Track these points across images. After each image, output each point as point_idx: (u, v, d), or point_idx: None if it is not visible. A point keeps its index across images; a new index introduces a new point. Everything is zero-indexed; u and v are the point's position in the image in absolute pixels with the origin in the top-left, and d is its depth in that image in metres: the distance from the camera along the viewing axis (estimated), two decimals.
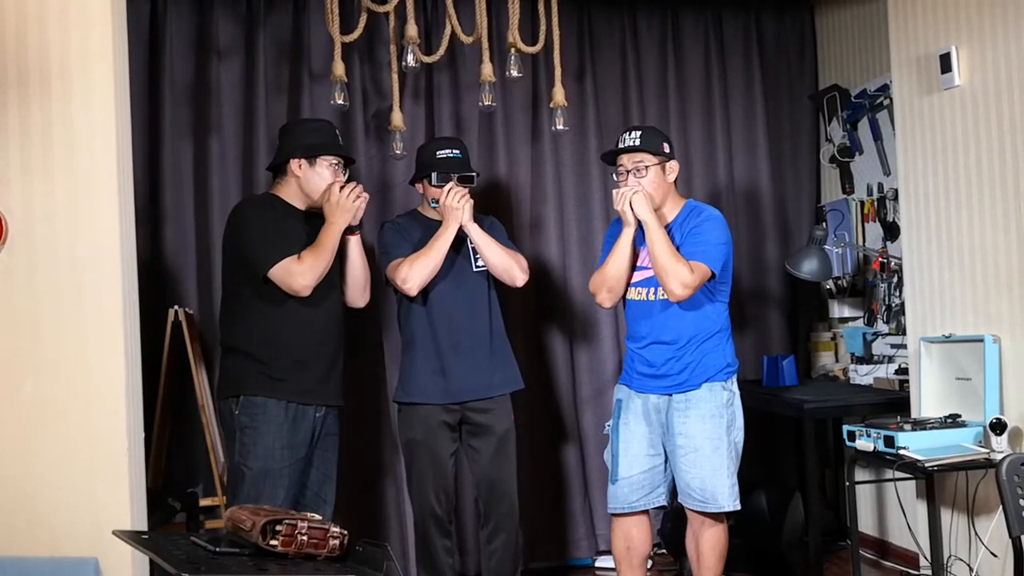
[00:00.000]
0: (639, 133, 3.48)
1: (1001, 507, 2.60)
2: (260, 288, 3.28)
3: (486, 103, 3.65)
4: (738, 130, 5.01)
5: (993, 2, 3.60)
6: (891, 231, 4.57)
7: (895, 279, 4.51)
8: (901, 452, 3.46)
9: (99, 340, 3.12)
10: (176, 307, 4.04)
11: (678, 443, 3.41)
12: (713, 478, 3.37)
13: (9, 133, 3.12)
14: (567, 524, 4.66)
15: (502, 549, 3.71)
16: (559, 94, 3.71)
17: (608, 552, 4.53)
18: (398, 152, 3.93)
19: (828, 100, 5.02)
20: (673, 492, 3.54)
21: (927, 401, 3.85)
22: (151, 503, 3.46)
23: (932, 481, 3.77)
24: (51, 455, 3.09)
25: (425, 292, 3.62)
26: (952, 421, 3.63)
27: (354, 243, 3.49)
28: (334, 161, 3.42)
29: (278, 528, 2.06)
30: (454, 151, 3.71)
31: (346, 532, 2.12)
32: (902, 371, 4.32)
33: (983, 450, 3.46)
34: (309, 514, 2.22)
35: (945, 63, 3.79)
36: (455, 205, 3.56)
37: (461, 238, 3.64)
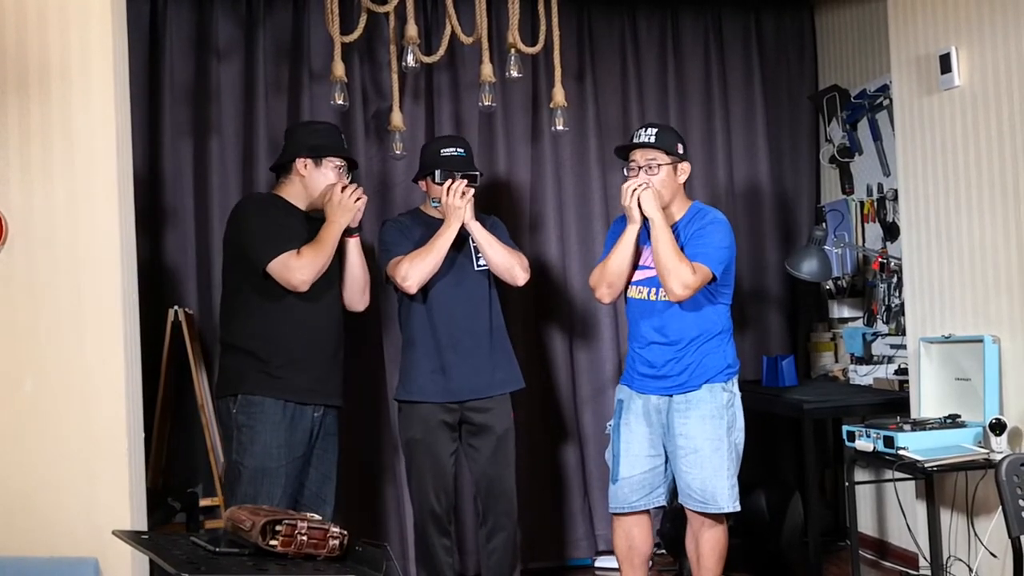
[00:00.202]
0: (655, 131, 3.47)
1: (1000, 507, 2.60)
2: (259, 285, 3.29)
3: (486, 103, 3.65)
4: (738, 130, 5.01)
5: (993, 3, 3.60)
6: (891, 231, 4.57)
7: (895, 279, 4.51)
8: (901, 452, 3.47)
9: (99, 340, 3.12)
10: (176, 307, 4.05)
11: (678, 444, 3.41)
12: (713, 479, 3.37)
13: (9, 133, 3.12)
14: (566, 524, 4.65)
15: (501, 548, 3.71)
16: (559, 94, 3.71)
17: (607, 552, 4.53)
18: (398, 152, 3.93)
19: (828, 100, 5.02)
20: (673, 492, 3.54)
21: (927, 401, 3.85)
22: (151, 503, 3.46)
23: (932, 481, 3.77)
24: (51, 455, 3.09)
25: (425, 290, 3.62)
26: (952, 421, 3.63)
27: (353, 245, 3.49)
28: (339, 163, 3.45)
29: (278, 528, 2.06)
30: (458, 149, 3.72)
31: (346, 532, 2.12)
32: (902, 371, 4.32)
33: (982, 450, 3.46)
34: (309, 514, 2.22)
35: (945, 63, 3.79)
36: (457, 204, 3.56)
37: (463, 237, 3.64)
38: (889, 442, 3.51)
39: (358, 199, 3.39)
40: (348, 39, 3.55)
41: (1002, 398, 3.58)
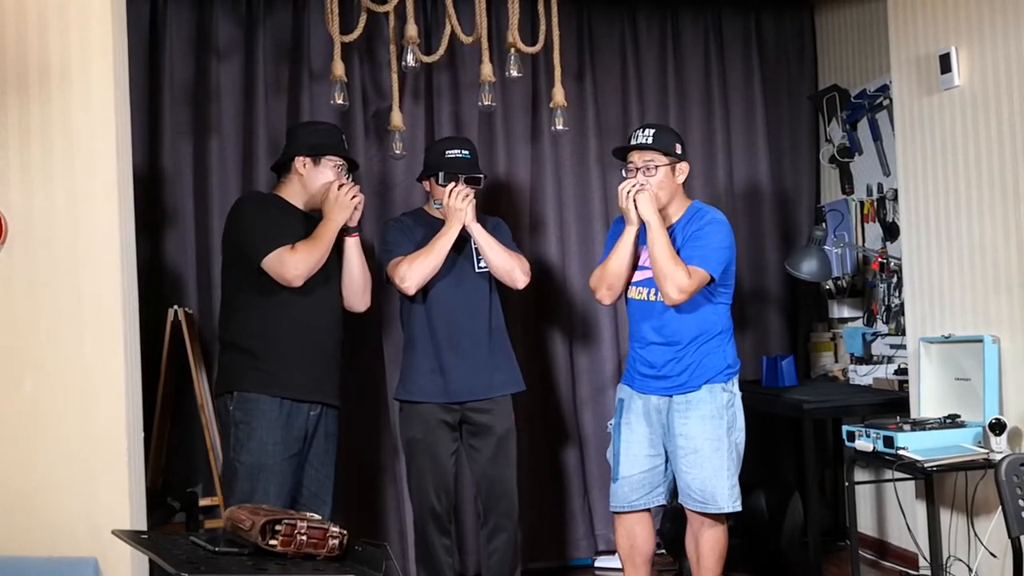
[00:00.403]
0: (652, 132, 3.47)
1: (1000, 507, 2.60)
2: (256, 282, 3.30)
3: (486, 103, 3.65)
4: (738, 130, 5.01)
5: (993, 3, 3.60)
6: (890, 231, 4.57)
7: (894, 279, 4.51)
8: (900, 452, 3.47)
9: (98, 340, 3.12)
10: (175, 307, 4.05)
11: (679, 444, 3.41)
12: (714, 479, 3.37)
13: (9, 133, 3.12)
14: (566, 524, 4.65)
15: (502, 549, 3.71)
16: (559, 94, 3.71)
17: (607, 552, 4.53)
18: (398, 152, 3.93)
19: (828, 100, 5.02)
20: (673, 492, 3.54)
21: (926, 401, 3.85)
22: (150, 503, 3.46)
23: (931, 481, 3.77)
24: (50, 455, 3.09)
25: (425, 291, 3.62)
26: (951, 421, 3.63)
27: (352, 245, 3.49)
28: (338, 163, 3.45)
29: (277, 528, 2.06)
30: (463, 151, 3.71)
31: (345, 532, 2.12)
32: (901, 371, 4.32)
33: (982, 450, 3.46)
34: (308, 514, 2.22)
35: (945, 63, 3.79)
36: (458, 206, 3.56)
37: (464, 238, 3.64)
38: (889, 442, 3.51)
39: (354, 197, 3.39)
40: (348, 39, 3.55)
41: (1002, 398, 3.58)
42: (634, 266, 3.51)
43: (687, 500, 3.43)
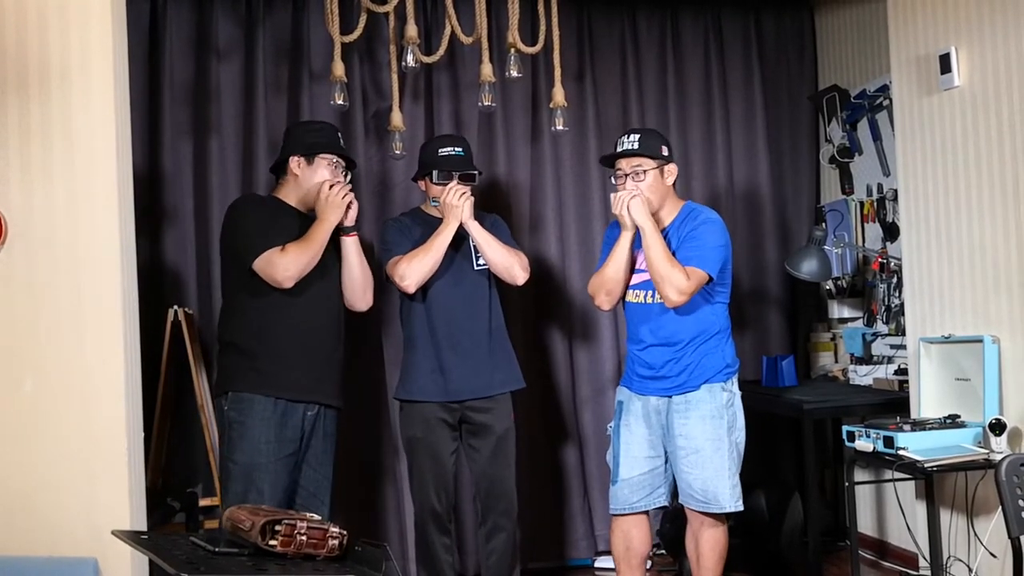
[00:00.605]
0: (637, 137, 3.47)
1: (1000, 508, 2.60)
2: (249, 283, 3.30)
3: (486, 103, 3.65)
4: (737, 130, 5.01)
5: (993, 3, 3.60)
6: (890, 232, 4.57)
7: (894, 280, 4.51)
8: (900, 452, 3.47)
9: (98, 340, 3.12)
10: (175, 307, 4.05)
11: (679, 444, 3.41)
12: (715, 479, 3.37)
13: (9, 133, 3.12)
14: (566, 524, 4.65)
15: (500, 548, 3.71)
16: (559, 94, 3.71)
17: (607, 552, 4.53)
18: (398, 152, 3.93)
19: (828, 100, 5.02)
20: (674, 493, 3.54)
21: (926, 402, 3.85)
22: (150, 503, 3.46)
23: (931, 481, 3.77)
24: (50, 455, 3.09)
25: (425, 290, 3.62)
26: (951, 422, 3.63)
27: (351, 244, 3.48)
28: (334, 161, 3.44)
29: (277, 528, 2.06)
30: (456, 149, 3.71)
31: (345, 532, 2.12)
32: (901, 372, 4.32)
33: (982, 451, 3.46)
34: (308, 514, 2.22)
35: (945, 64, 3.79)
36: (455, 203, 3.56)
37: (462, 236, 3.64)
38: (889, 442, 3.51)
39: (345, 196, 3.38)
40: (348, 39, 3.55)
41: (1002, 398, 3.58)
42: (631, 270, 3.51)
43: (689, 500, 3.43)
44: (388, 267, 3.63)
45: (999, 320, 3.62)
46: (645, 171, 3.44)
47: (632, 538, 3.53)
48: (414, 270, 3.55)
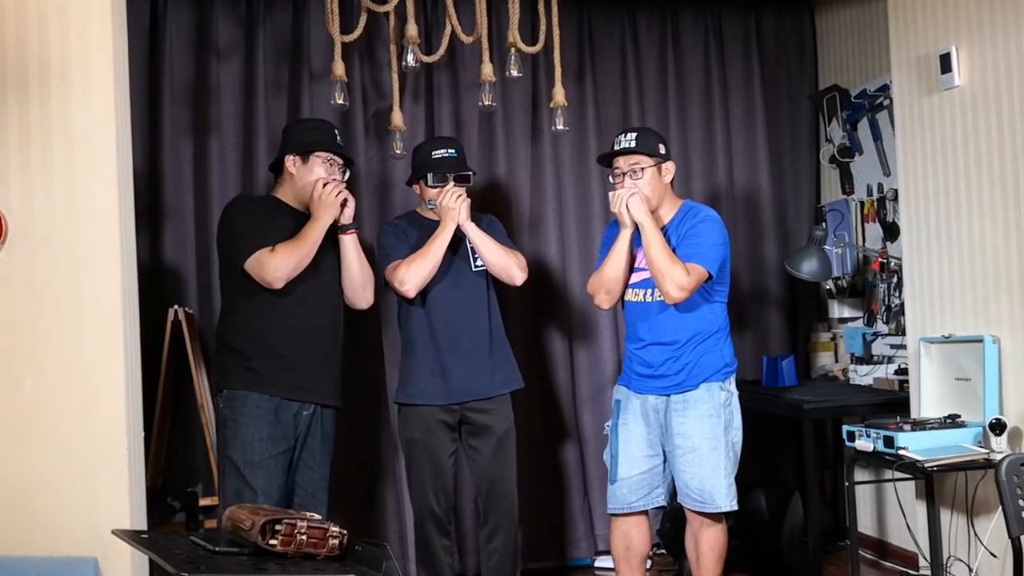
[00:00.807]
0: (635, 135, 3.48)
1: (1000, 507, 2.60)
2: (243, 284, 3.30)
3: (486, 103, 3.64)
4: (738, 130, 5.01)
5: (993, 3, 3.60)
6: (891, 231, 4.57)
7: (895, 279, 4.51)
8: (901, 452, 3.47)
9: (98, 339, 3.12)
10: (176, 307, 4.05)
11: (676, 443, 3.41)
12: (711, 478, 3.37)
13: (9, 132, 3.12)
14: (566, 524, 4.65)
15: (501, 549, 3.71)
16: (559, 94, 3.70)
17: (607, 552, 4.53)
18: (398, 152, 3.92)
19: (828, 100, 5.02)
20: (672, 492, 3.54)
21: (927, 401, 3.85)
22: (150, 502, 3.47)
23: (931, 481, 3.77)
24: (50, 454, 3.09)
25: (423, 293, 3.62)
26: (952, 421, 3.63)
27: (349, 242, 3.47)
28: (329, 159, 3.43)
29: (277, 527, 2.06)
30: (450, 151, 3.71)
31: (345, 532, 2.12)
32: (902, 371, 4.32)
33: (982, 450, 3.46)
34: (309, 513, 2.22)
35: (945, 63, 3.79)
36: (451, 205, 3.55)
37: (459, 238, 3.64)
38: (889, 442, 3.51)
39: (339, 194, 3.37)
40: (348, 39, 3.55)
41: (1002, 398, 3.58)
42: (630, 268, 3.51)
43: (685, 500, 3.43)
44: (387, 272, 3.63)
45: (999, 320, 3.62)
46: (643, 169, 3.45)
47: (632, 538, 3.53)
48: (413, 274, 3.55)
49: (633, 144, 3.45)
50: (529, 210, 4.71)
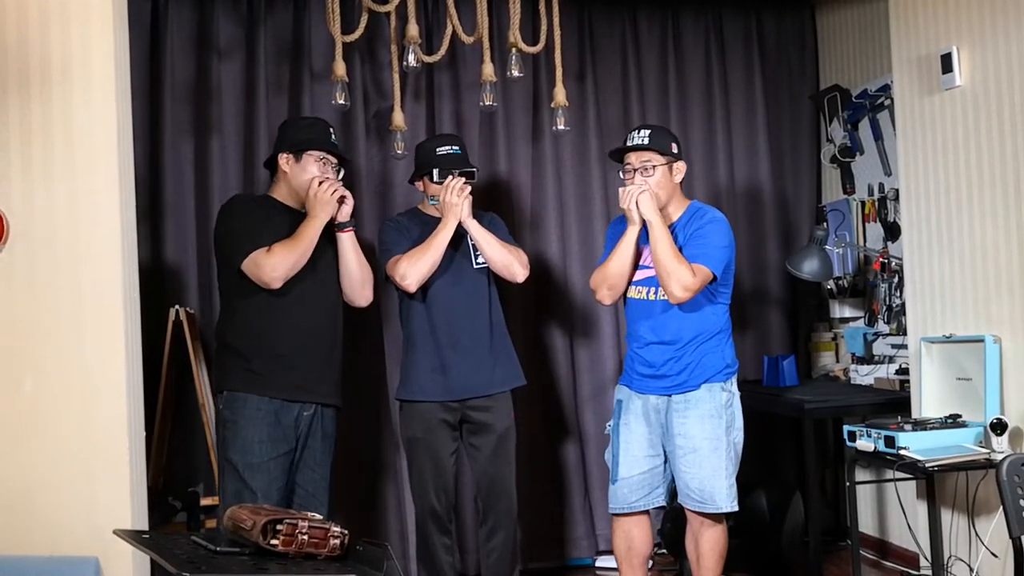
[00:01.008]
0: (648, 132, 3.47)
1: (1001, 507, 2.60)
2: (240, 284, 3.30)
3: (487, 103, 3.64)
4: (739, 130, 5.01)
5: (994, 3, 3.60)
6: (892, 231, 4.56)
7: (896, 279, 4.51)
8: (901, 452, 3.46)
9: (99, 339, 3.12)
10: (177, 306, 4.05)
11: (677, 444, 3.41)
12: (712, 479, 3.37)
13: (10, 131, 3.12)
14: (567, 523, 4.65)
15: (501, 547, 3.71)
16: (560, 94, 3.70)
17: (608, 552, 4.52)
18: (399, 152, 3.92)
19: (829, 100, 5.02)
20: (673, 492, 3.54)
21: (928, 401, 3.85)
22: (152, 502, 3.47)
23: (932, 481, 3.77)
24: (51, 454, 3.09)
25: (425, 289, 3.62)
26: (953, 421, 3.63)
27: (347, 240, 3.46)
28: (322, 158, 3.41)
29: (279, 527, 2.06)
30: (454, 148, 3.72)
31: (346, 531, 2.12)
32: (903, 371, 4.32)
33: (983, 450, 3.46)
34: (310, 513, 2.22)
35: (946, 63, 3.79)
36: (454, 201, 3.56)
37: (461, 235, 3.64)
38: (890, 442, 3.51)
39: (335, 192, 3.36)
40: (349, 39, 3.54)
41: (1003, 398, 3.57)
42: (634, 266, 3.51)
43: (686, 500, 3.43)
44: (388, 267, 3.63)
45: (1000, 320, 3.62)
46: (654, 167, 3.44)
47: (634, 538, 3.53)
48: (414, 269, 3.55)
49: (646, 141, 3.45)
50: (530, 210, 4.71)
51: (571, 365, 4.70)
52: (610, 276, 3.51)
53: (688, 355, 3.42)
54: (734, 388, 3.49)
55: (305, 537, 2.06)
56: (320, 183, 3.34)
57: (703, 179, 4.92)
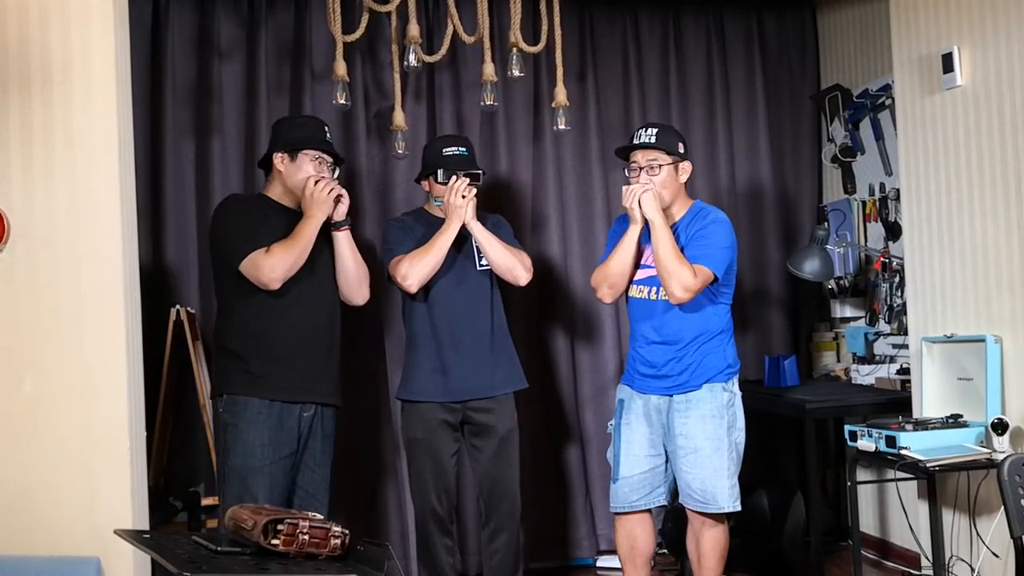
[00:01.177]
0: (655, 131, 3.47)
1: (1003, 507, 2.59)
2: (238, 285, 3.28)
3: (488, 103, 3.64)
4: (740, 130, 5.01)
5: (995, 2, 3.60)
6: (893, 231, 4.56)
7: (897, 279, 4.50)
8: (903, 452, 3.46)
9: (100, 339, 3.12)
10: (177, 306, 4.05)
11: (679, 444, 3.41)
12: (713, 479, 3.37)
13: (11, 132, 3.12)
14: (568, 524, 4.65)
15: (503, 549, 3.70)
16: (561, 94, 3.70)
17: (609, 552, 4.53)
18: (400, 152, 3.92)
19: (830, 100, 5.01)
20: (674, 492, 3.54)
21: (929, 401, 3.85)
22: (152, 502, 3.47)
23: (933, 481, 3.77)
24: (52, 454, 3.09)
25: (427, 290, 3.62)
26: (954, 421, 3.63)
27: (343, 239, 3.45)
28: (317, 157, 3.40)
29: (280, 527, 2.06)
30: (460, 149, 3.72)
31: (347, 531, 2.12)
32: (904, 371, 4.32)
33: (984, 450, 3.46)
34: (311, 513, 2.22)
35: (947, 63, 3.79)
36: (458, 203, 3.56)
37: (464, 236, 3.64)
38: (891, 442, 3.51)
39: (331, 191, 3.34)
40: (350, 39, 3.54)
41: (1004, 398, 3.57)
42: (636, 265, 3.51)
43: (687, 500, 3.43)
44: (390, 266, 3.63)
45: (1001, 319, 3.61)
46: (660, 166, 3.44)
47: (636, 537, 3.53)
48: (416, 269, 3.55)
49: (653, 140, 3.44)
50: (531, 210, 4.71)
51: (572, 366, 4.70)
52: (611, 275, 3.50)
53: (689, 355, 3.42)
54: (735, 388, 3.49)
55: (306, 537, 2.06)
56: (316, 182, 3.33)
57: (704, 179, 4.91)
